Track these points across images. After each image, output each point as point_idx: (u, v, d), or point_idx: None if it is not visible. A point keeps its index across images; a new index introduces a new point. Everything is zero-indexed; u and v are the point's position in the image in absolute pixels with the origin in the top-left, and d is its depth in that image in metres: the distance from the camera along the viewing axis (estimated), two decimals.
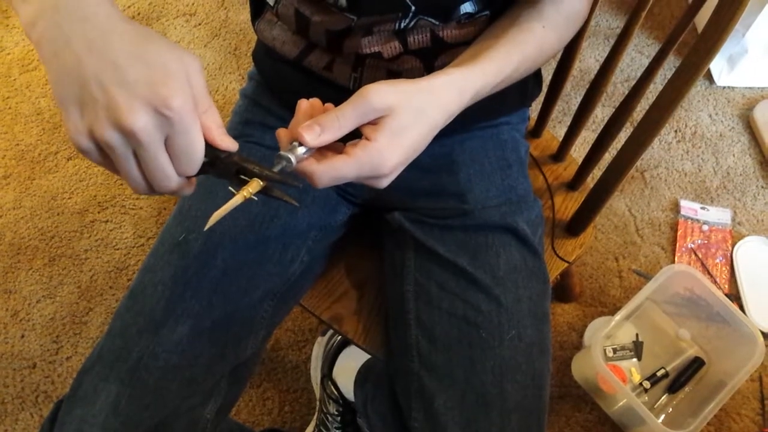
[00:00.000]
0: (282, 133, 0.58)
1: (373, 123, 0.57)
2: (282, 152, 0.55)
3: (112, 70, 0.46)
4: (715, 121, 1.74)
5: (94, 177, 1.64)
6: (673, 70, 0.73)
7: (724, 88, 1.80)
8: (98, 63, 0.46)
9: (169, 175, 0.51)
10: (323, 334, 1.34)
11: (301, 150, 0.55)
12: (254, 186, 0.53)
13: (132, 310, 0.74)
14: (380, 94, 0.56)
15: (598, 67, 0.91)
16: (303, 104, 0.58)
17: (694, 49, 0.69)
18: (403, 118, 0.57)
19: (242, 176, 0.54)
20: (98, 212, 1.59)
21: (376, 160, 0.56)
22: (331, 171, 0.55)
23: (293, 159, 0.54)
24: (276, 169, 0.54)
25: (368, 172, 0.56)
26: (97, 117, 0.46)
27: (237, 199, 0.52)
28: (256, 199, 0.54)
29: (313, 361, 1.35)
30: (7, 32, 1.90)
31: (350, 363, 1.21)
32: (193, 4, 1.97)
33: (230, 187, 0.54)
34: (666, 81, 0.74)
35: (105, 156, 0.50)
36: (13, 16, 1.92)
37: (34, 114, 1.75)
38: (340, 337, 1.28)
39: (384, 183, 0.59)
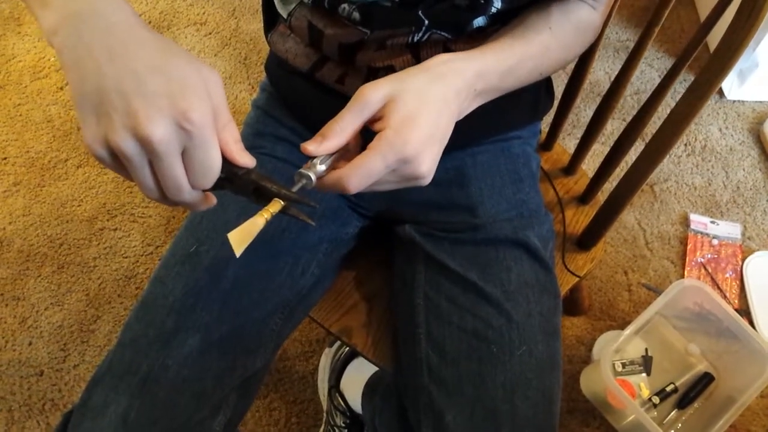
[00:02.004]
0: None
1: (380, 117, 0.57)
2: (302, 170, 0.55)
3: (132, 79, 0.46)
4: (725, 135, 1.74)
5: (104, 185, 1.65)
6: (682, 82, 0.73)
7: (734, 102, 1.80)
8: (119, 72, 0.47)
9: (183, 187, 0.51)
10: (331, 345, 1.34)
11: (320, 167, 0.55)
12: (275, 207, 0.53)
13: (142, 321, 0.74)
14: (373, 87, 0.57)
15: (607, 79, 0.91)
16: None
17: (707, 67, 0.69)
18: (407, 101, 0.57)
19: (260, 194, 0.54)
20: (107, 220, 1.60)
21: (396, 143, 0.55)
22: (356, 169, 0.55)
23: (313, 176, 0.55)
24: (296, 187, 0.54)
25: (393, 157, 0.55)
26: (114, 125, 0.47)
27: (259, 222, 0.52)
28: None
29: (320, 372, 1.34)
30: (20, 39, 1.91)
31: (358, 375, 1.21)
32: (203, 13, 1.99)
33: (264, 216, 0.53)
34: (674, 94, 0.74)
35: (119, 164, 0.50)
36: (26, 23, 1.93)
37: (44, 121, 1.76)
38: (347, 348, 1.28)
39: (420, 169, 0.57)
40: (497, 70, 0.64)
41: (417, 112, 0.57)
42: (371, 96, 0.56)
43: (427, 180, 0.59)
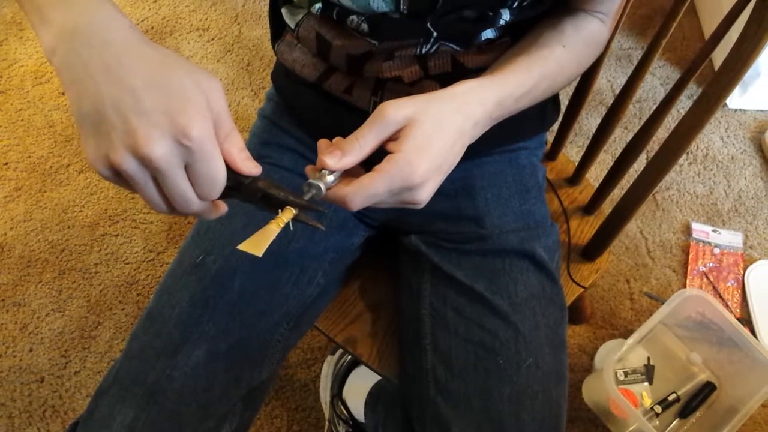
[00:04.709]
0: (309, 169, 0.58)
1: (396, 138, 0.57)
2: (312, 180, 0.55)
3: (129, 97, 0.46)
4: (727, 143, 1.74)
5: (105, 190, 1.65)
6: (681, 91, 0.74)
7: (735, 110, 1.80)
8: (116, 90, 0.46)
9: (190, 200, 0.51)
10: (333, 352, 1.33)
11: (330, 178, 0.55)
12: (288, 215, 0.54)
13: (149, 332, 0.74)
14: (395, 107, 0.56)
15: (609, 87, 0.91)
16: (323, 143, 0.58)
17: (715, 80, 0.69)
18: (425, 127, 0.56)
19: (267, 201, 0.54)
20: (109, 226, 1.59)
21: (404, 171, 0.55)
22: (361, 190, 0.55)
23: (323, 187, 0.55)
24: (306, 197, 0.55)
25: (399, 183, 0.55)
26: (114, 144, 0.47)
27: (274, 229, 0.53)
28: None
29: (322, 380, 1.34)
30: (21, 44, 1.91)
31: (361, 383, 1.21)
32: (206, 19, 1.99)
33: (278, 224, 0.53)
34: (674, 104, 0.74)
35: (124, 180, 0.50)
36: (28, 28, 1.93)
37: (46, 126, 1.76)
38: (350, 356, 1.28)
39: (420, 196, 0.58)
40: (515, 96, 0.64)
41: (431, 140, 0.56)
42: (393, 116, 0.56)
43: (422, 206, 0.59)
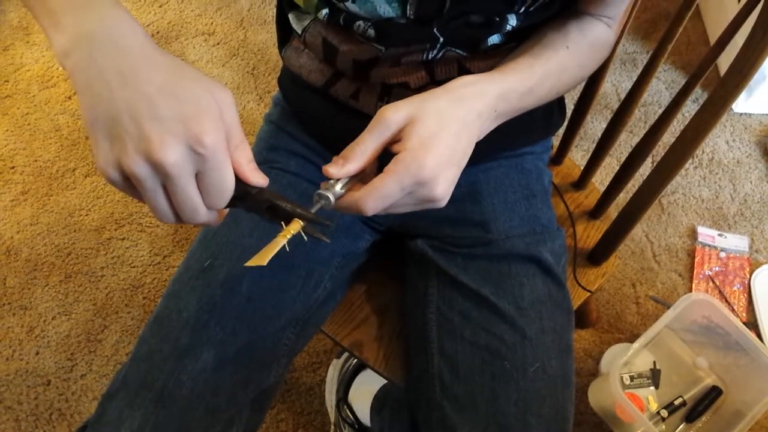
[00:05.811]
0: (323, 184, 0.58)
1: (399, 138, 0.57)
2: (321, 191, 0.55)
3: (144, 103, 0.47)
4: (732, 147, 1.74)
5: (112, 194, 1.65)
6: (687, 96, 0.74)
7: (741, 114, 1.80)
8: (131, 96, 0.47)
9: (198, 208, 0.51)
10: (338, 356, 1.34)
11: (338, 187, 0.55)
12: (295, 227, 0.54)
13: (157, 336, 0.74)
14: (393, 109, 0.57)
15: (614, 91, 0.91)
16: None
17: (721, 84, 0.69)
18: (427, 123, 0.57)
19: (273, 212, 0.55)
20: (115, 230, 1.60)
21: (412, 167, 0.55)
22: (373, 192, 0.55)
23: (332, 197, 0.55)
24: (315, 208, 0.55)
25: (409, 180, 0.55)
26: (127, 149, 0.47)
27: (281, 242, 0.53)
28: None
29: (328, 383, 1.34)
30: (28, 49, 1.92)
31: (367, 386, 1.21)
32: (212, 23, 1.99)
33: (286, 237, 0.54)
34: (680, 108, 0.75)
35: (132, 187, 0.50)
36: (34, 33, 1.94)
37: (52, 130, 1.77)
38: (355, 359, 1.28)
39: (436, 192, 0.57)
40: (518, 91, 0.64)
41: (436, 134, 0.57)
42: (392, 117, 0.56)
43: (443, 203, 0.59)
